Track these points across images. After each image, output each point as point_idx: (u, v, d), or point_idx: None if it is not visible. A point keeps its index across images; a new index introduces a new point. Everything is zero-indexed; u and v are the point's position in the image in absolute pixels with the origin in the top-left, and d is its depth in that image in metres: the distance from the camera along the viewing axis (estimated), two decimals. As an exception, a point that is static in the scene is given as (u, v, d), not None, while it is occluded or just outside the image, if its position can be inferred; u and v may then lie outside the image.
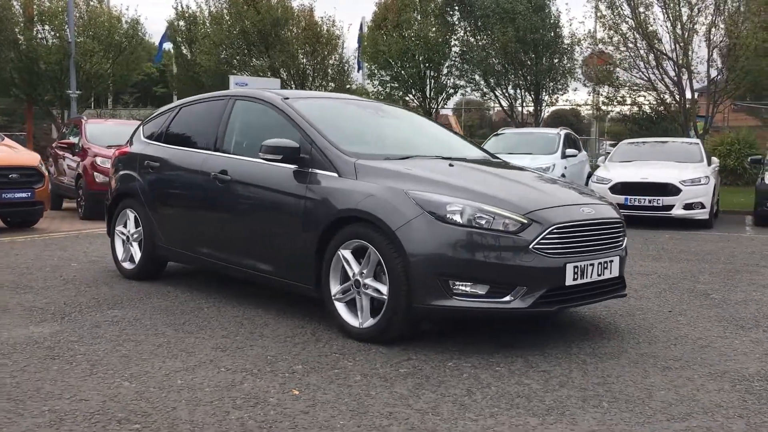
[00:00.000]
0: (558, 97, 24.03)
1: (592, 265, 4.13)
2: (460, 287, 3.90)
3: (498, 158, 5.52)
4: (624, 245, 4.50)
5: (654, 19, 21.39)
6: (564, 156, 13.59)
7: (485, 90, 23.70)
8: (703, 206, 11.47)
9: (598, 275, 4.18)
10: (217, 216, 5.22)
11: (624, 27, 21.83)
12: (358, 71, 28.75)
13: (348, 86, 27.10)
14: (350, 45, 27.19)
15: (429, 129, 5.86)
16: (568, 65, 23.13)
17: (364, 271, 4.18)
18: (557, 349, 4.11)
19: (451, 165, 4.67)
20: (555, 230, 3.97)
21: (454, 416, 3.04)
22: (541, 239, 3.91)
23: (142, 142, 6.21)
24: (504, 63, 22.57)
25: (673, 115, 21.94)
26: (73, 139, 13.14)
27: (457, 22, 24.21)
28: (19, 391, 3.30)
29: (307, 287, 4.57)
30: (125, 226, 6.20)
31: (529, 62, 22.62)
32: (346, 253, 4.28)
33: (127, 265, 6.17)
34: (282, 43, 25.63)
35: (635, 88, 22.49)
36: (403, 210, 4.02)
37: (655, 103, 22.34)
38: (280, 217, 4.70)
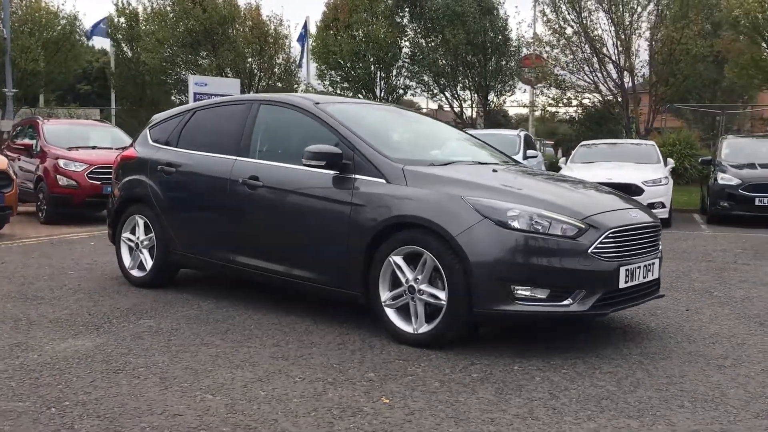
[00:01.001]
0: (505, 99, 24.49)
1: (639, 267, 4.27)
2: (521, 292, 3.98)
3: (522, 163, 5.63)
4: (661, 247, 4.67)
5: (598, 23, 22.06)
6: (525, 157, 13.90)
7: (435, 91, 23.94)
8: (663, 206, 11.94)
9: (644, 277, 4.33)
10: (246, 222, 5.15)
11: (569, 30, 22.44)
12: (298, 67, 28.43)
13: (296, 86, 26.96)
14: (297, 44, 26.89)
15: (451, 133, 5.92)
16: (515, 67, 23.60)
17: (419, 277, 4.21)
18: (608, 350, 4.23)
19: (494, 171, 4.75)
20: (610, 234, 4.09)
21: (555, 420, 3.11)
22: (598, 243, 4.03)
23: (151, 146, 6.06)
24: (454, 65, 22.87)
25: (617, 116, 22.69)
26: (29, 141, 12.64)
27: (407, 24, 24.37)
28: (105, 408, 3.20)
29: (353, 294, 4.56)
30: (133, 233, 6.03)
31: (477, 64, 22.98)
32: (398, 260, 4.30)
33: (136, 273, 6.01)
34: (229, 42, 25.29)
35: (579, 90, 23.15)
36: (462, 216, 4.07)
37: (599, 104, 23.02)
38: (322, 223, 4.67)
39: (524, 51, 23.30)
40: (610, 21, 21.79)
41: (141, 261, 5.95)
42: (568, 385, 3.58)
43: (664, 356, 4.13)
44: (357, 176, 4.57)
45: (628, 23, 21.46)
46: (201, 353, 4.07)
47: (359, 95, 24.48)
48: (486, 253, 3.98)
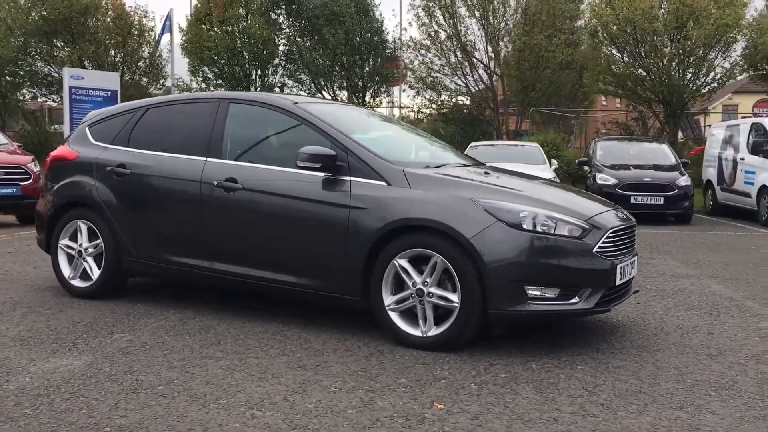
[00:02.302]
0: (381, 99, 24.82)
1: (627, 265, 4.50)
2: (533, 292, 4.08)
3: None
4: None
5: (471, 29, 22.92)
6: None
7: (313, 90, 23.81)
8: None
9: (630, 274, 4.57)
10: (221, 227, 4.90)
11: (443, 35, 23.13)
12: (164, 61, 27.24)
13: (162, 80, 25.88)
14: (169, 38, 25.71)
15: (420, 134, 5.94)
16: (376, 67, 23.95)
17: (427, 280, 4.20)
18: (602, 345, 4.43)
19: (486, 173, 4.83)
20: (610, 234, 4.29)
21: (611, 416, 3.22)
22: (601, 243, 4.21)
23: (95, 146, 5.61)
24: (332, 64, 22.87)
25: (488, 119, 23.67)
26: None
27: (282, 21, 24.07)
28: (154, 431, 2.95)
29: (351, 299, 4.48)
30: (73, 240, 5.57)
31: (356, 65, 23.13)
32: (403, 263, 4.26)
33: (77, 283, 5.55)
34: (90, 33, 23.84)
35: (452, 93, 23.95)
36: (475, 218, 4.11)
37: (473, 107, 23.92)
38: (314, 227, 4.54)
39: (400, 53, 23.69)
40: (480, 27, 22.69)
41: (84, 270, 5.50)
42: (596, 381, 3.71)
43: (657, 348, 4.38)
44: (353, 179, 4.48)
45: (497, 30, 22.43)
46: (210, 367, 3.84)
47: (233, 93, 23.90)
48: (501, 254, 4.04)
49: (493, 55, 22.51)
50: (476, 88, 23.25)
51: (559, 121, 29.53)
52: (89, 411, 3.18)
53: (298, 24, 23.66)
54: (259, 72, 23.68)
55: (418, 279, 4.22)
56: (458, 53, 22.96)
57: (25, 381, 3.57)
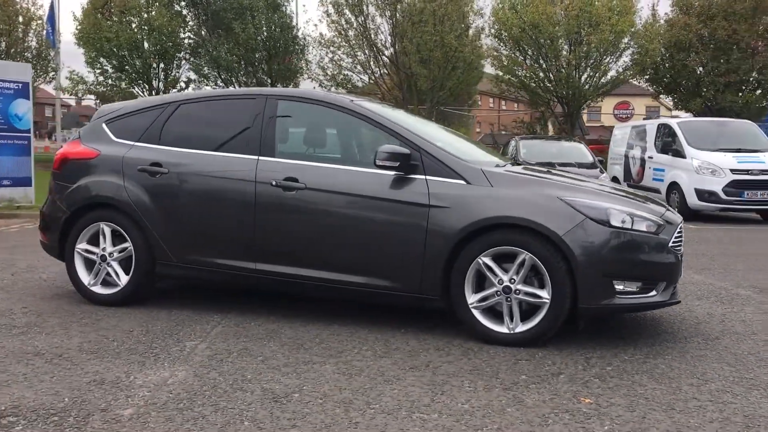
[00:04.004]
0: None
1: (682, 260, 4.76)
2: (619, 286, 4.25)
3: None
4: None
5: (380, 29, 23.13)
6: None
7: (220, 85, 23.19)
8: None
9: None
10: (279, 228, 4.75)
11: (351, 33, 23.20)
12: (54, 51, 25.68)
13: (51, 72, 24.34)
14: (60, 27, 24.16)
15: (455, 133, 5.95)
16: (301, 65, 23.76)
17: (514, 277, 4.27)
18: (666, 337, 4.67)
19: (549, 171, 4.95)
20: (679, 230, 4.53)
21: (745, 401, 3.43)
22: (673, 238, 4.44)
23: (120, 143, 5.27)
24: (240, 60, 22.37)
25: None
26: None
27: (187, 14, 23.26)
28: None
29: (430, 298, 4.48)
30: (93, 244, 5.21)
31: (264, 60, 22.74)
32: (488, 260, 4.32)
33: (100, 290, 5.20)
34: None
35: (358, 91, 24.05)
36: (564, 215, 4.22)
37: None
38: (390, 226, 4.50)
39: (310, 50, 23.54)
40: (390, 25, 22.94)
41: (110, 275, 5.16)
42: (693, 371, 3.90)
43: (714, 338, 4.66)
44: (429, 177, 4.48)
45: (405, 30, 22.75)
46: (323, 372, 3.74)
47: (135, 87, 22.87)
48: (591, 251, 4.18)
49: (400, 53, 22.75)
50: (384, 86, 23.45)
51: (452, 120, 30.34)
52: (253, 422, 3.03)
53: (204, 17, 22.92)
54: (162, 65, 22.74)
55: (504, 276, 4.28)
56: (366, 51, 23.08)
57: (145, 395, 3.34)
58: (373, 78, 23.24)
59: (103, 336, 4.36)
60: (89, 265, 5.25)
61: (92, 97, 24.96)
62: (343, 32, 22.59)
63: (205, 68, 22.92)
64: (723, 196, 13.36)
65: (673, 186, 14.52)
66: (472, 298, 4.37)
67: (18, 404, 3.18)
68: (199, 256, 4.96)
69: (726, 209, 13.50)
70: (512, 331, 4.30)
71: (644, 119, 24.79)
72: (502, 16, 22.40)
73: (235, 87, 23.14)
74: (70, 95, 22.75)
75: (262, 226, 4.77)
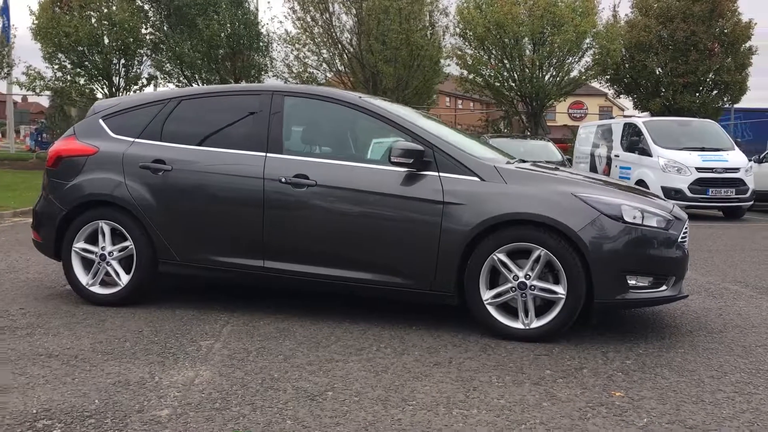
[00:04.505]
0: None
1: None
2: (632, 281, 4.32)
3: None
4: None
5: (344, 27, 23.04)
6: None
7: (183, 82, 22.83)
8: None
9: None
10: (289, 226, 4.70)
11: (316, 30, 23.08)
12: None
13: (6, 68, 23.63)
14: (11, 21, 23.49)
15: (461, 132, 5.95)
16: (265, 62, 23.55)
17: (530, 273, 4.31)
18: (651, 336, 4.76)
19: (557, 168, 4.99)
20: (686, 226, 4.63)
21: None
22: (682, 234, 4.53)
23: (119, 140, 5.14)
24: (204, 57, 22.06)
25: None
26: None
27: (149, 9, 22.84)
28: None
29: (444, 294, 4.49)
30: (91, 243, 5.08)
31: (228, 58, 22.48)
32: (502, 257, 4.34)
33: (98, 290, 5.08)
34: None
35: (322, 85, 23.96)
36: (579, 212, 4.27)
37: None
38: (403, 223, 4.49)
39: (276, 47, 23.35)
40: (355, 23, 22.88)
41: (110, 274, 5.05)
42: (710, 363, 4.00)
43: (717, 331, 4.77)
44: (442, 174, 4.49)
45: (371, 28, 22.72)
46: (348, 369, 3.71)
47: (95, 84, 22.37)
48: (606, 246, 4.24)
49: (366, 51, 22.72)
50: (350, 84, 23.38)
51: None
52: (295, 421, 2.99)
53: (166, 12, 22.52)
54: (123, 61, 22.28)
55: (519, 272, 4.31)
56: (332, 49, 23.00)
57: (176, 395, 3.27)
58: (338, 76, 23.15)
59: (112, 336, 4.26)
60: (87, 264, 5.12)
61: (48, 93, 24.30)
62: (308, 29, 22.46)
63: (167, 65, 22.56)
64: (689, 193, 13.70)
65: (640, 184, 14.77)
66: (486, 295, 4.39)
67: (48, 407, 3.08)
68: (204, 254, 4.88)
69: (691, 207, 13.83)
70: (527, 327, 4.33)
71: (600, 119, 25.32)
72: (467, 15, 22.56)
73: (198, 84, 22.82)
74: (28, 91, 22.09)
75: (271, 223, 4.72)
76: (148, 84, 23.04)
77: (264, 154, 4.78)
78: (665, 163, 14.12)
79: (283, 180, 4.67)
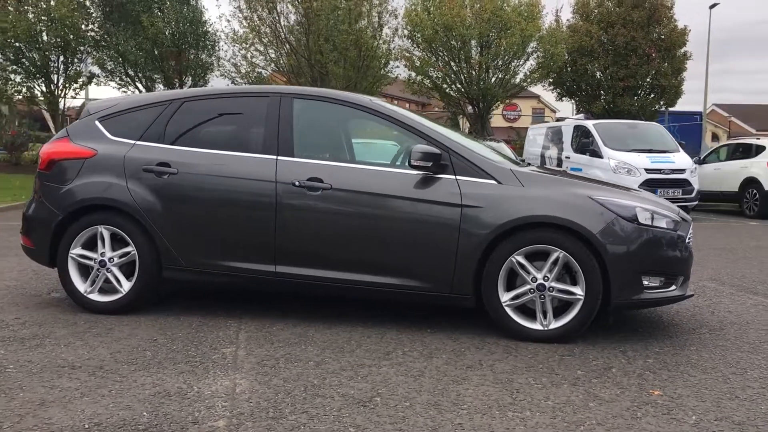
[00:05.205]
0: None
1: (686, 255, 5.02)
2: (645, 281, 4.44)
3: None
4: None
5: (294, 27, 22.82)
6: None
7: (126, 80, 22.21)
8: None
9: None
10: (303, 230, 4.63)
11: (264, 29, 22.81)
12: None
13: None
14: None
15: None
16: (211, 60, 23.14)
17: (548, 275, 4.38)
18: (659, 335, 4.91)
19: (563, 172, 5.07)
20: (692, 227, 4.78)
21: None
22: (689, 235, 4.68)
23: (118, 142, 4.96)
24: (148, 55, 21.51)
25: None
26: None
27: (90, 5, 22.12)
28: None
29: (462, 297, 4.51)
30: (89, 249, 4.91)
31: (172, 56, 21.98)
32: (520, 259, 4.40)
33: (97, 298, 4.90)
34: None
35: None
36: (597, 214, 4.36)
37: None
38: (420, 226, 4.49)
39: (223, 46, 22.97)
40: (303, 23, 22.70)
41: (110, 281, 4.88)
42: (727, 360, 4.14)
43: (718, 328, 4.94)
44: (459, 177, 4.51)
45: (321, 28, 22.59)
46: (384, 374, 3.69)
47: (33, 82, 21.52)
48: (623, 248, 4.34)
49: (315, 52, 22.57)
50: (298, 84, 23.20)
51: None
52: (357, 428, 2.96)
53: (109, 9, 21.84)
54: (62, 59, 21.50)
55: (538, 274, 4.37)
56: (280, 48, 22.76)
57: (224, 405, 3.19)
58: (285, 75, 22.92)
59: (128, 346, 4.12)
60: (83, 271, 4.94)
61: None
62: (256, 29, 22.17)
63: (110, 63, 21.90)
64: (640, 194, 14.12)
65: (591, 185, 15.17)
66: (504, 297, 4.43)
67: (98, 421, 2.96)
68: (212, 259, 4.77)
69: (641, 207, 14.24)
70: (546, 328, 4.39)
71: (533, 122, 25.85)
72: (415, 17, 22.69)
73: (140, 83, 22.24)
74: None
75: (284, 227, 4.65)
76: (89, 83, 22.31)
77: (275, 157, 4.71)
78: (616, 165, 14.51)
79: (297, 183, 4.61)
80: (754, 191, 15.76)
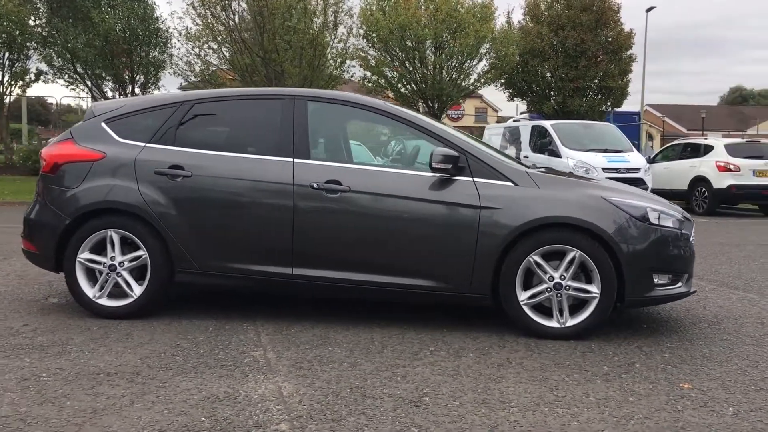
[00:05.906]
0: (152, 90, 23.34)
1: (684, 253, 5.23)
2: (656, 279, 4.61)
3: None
4: None
5: (248, 26, 22.60)
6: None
7: (75, 78, 21.62)
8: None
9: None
10: (321, 232, 4.65)
11: (219, 27, 22.53)
12: None
13: None
14: None
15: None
16: (163, 58, 22.73)
17: (564, 274, 4.51)
18: (666, 329, 5.11)
19: (570, 173, 5.22)
20: (694, 226, 4.98)
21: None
22: (692, 233, 4.88)
23: (127, 144, 4.88)
24: (98, 52, 20.98)
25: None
26: None
27: (37, 0, 21.45)
28: (531, 439, 2.94)
29: (480, 296, 4.60)
30: (97, 253, 4.82)
31: (125, 53, 21.51)
32: (538, 258, 4.52)
33: (107, 303, 4.81)
34: None
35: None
36: (611, 214, 4.51)
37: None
38: (439, 228, 4.56)
39: (175, 43, 22.57)
40: (259, 21, 22.50)
41: (119, 286, 4.80)
42: (716, 361, 4.32)
43: (716, 323, 5.17)
44: (476, 179, 4.60)
45: (277, 27, 22.43)
46: (422, 374, 3.75)
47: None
48: (636, 247, 4.50)
49: (271, 51, 22.40)
50: (252, 83, 22.98)
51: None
52: (420, 429, 3.01)
53: (57, 4, 21.21)
54: (8, 55, 20.79)
55: (555, 273, 4.50)
56: (234, 46, 22.52)
57: (280, 408, 3.20)
58: (240, 74, 22.67)
59: (154, 351, 4.07)
60: (91, 275, 4.84)
61: None
62: (209, 26, 21.87)
63: (58, 60, 21.26)
64: (598, 193, 14.51)
65: (551, 184, 15.51)
66: (522, 296, 4.54)
67: (160, 428, 2.94)
68: (227, 262, 4.74)
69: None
70: (563, 325, 4.52)
71: (475, 121, 26.27)
72: (370, 17, 22.77)
73: (90, 80, 21.67)
74: None
75: (302, 229, 4.65)
76: (36, 80, 21.63)
77: (291, 159, 4.71)
78: (574, 164, 14.86)
79: (315, 186, 4.62)
80: (703, 189, 16.34)
